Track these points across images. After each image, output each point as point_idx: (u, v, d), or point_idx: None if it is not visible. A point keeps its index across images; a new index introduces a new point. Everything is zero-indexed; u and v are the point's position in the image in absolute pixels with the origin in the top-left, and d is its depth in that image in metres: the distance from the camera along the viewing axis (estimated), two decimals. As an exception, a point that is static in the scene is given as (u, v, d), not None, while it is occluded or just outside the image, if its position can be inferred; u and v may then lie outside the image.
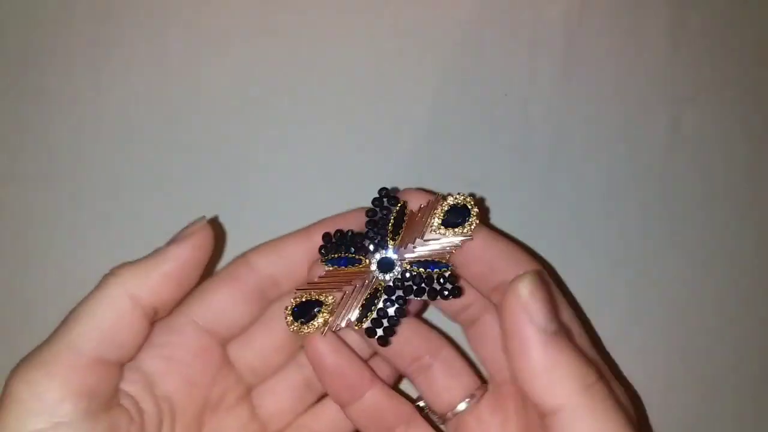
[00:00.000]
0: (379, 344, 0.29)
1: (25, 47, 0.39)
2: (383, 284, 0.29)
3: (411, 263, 0.29)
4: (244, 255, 0.30)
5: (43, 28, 0.39)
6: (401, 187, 0.38)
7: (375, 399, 0.30)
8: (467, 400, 0.30)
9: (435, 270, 0.28)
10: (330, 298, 0.29)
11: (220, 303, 0.29)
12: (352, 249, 0.29)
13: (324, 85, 0.39)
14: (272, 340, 0.31)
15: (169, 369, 0.28)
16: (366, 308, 0.28)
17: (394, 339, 0.29)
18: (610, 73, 0.40)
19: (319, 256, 0.30)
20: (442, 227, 0.29)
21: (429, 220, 0.29)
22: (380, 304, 0.28)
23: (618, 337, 0.38)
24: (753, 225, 0.39)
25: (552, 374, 0.23)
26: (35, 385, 0.23)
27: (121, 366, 0.26)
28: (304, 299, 0.28)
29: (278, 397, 0.31)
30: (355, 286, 0.29)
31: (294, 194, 0.38)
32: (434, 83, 0.39)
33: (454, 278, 0.29)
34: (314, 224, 0.31)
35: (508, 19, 0.40)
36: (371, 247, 0.29)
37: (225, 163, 0.38)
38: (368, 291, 0.29)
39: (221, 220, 0.38)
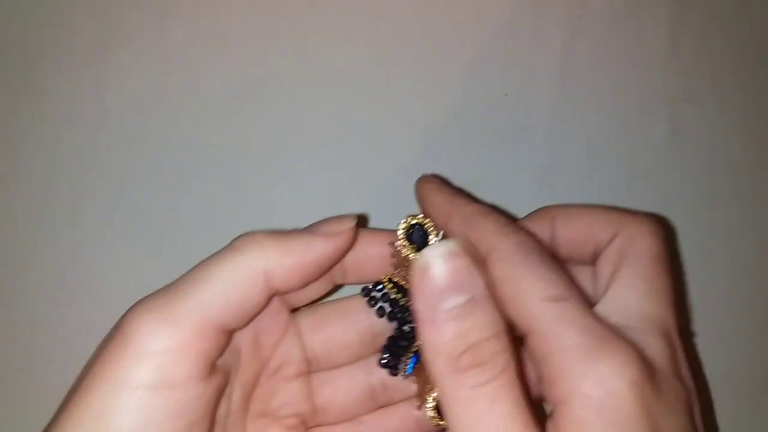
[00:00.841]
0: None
1: (25, 47, 0.39)
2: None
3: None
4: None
5: (44, 28, 0.39)
6: (401, 189, 0.38)
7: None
8: None
9: (411, 360, 0.29)
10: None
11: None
12: (405, 344, 0.29)
13: (323, 86, 0.39)
14: (342, 335, 0.30)
15: None
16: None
17: None
18: (610, 74, 0.40)
19: None
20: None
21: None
22: None
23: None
24: (753, 225, 0.39)
25: (431, 351, 0.23)
26: (159, 339, 0.23)
27: (232, 334, 0.26)
28: (421, 224, 0.28)
29: (336, 390, 0.31)
30: None
31: (294, 194, 0.38)
32: (434, 83, 0.39)
33: (394, 370, 0.30)
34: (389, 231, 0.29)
35: (508, 19, 0.40)
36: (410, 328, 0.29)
37: (226, 163, 0.38)
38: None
39: (222, 219, 0.38)
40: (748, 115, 0.40)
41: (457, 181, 0.38)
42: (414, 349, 0.29)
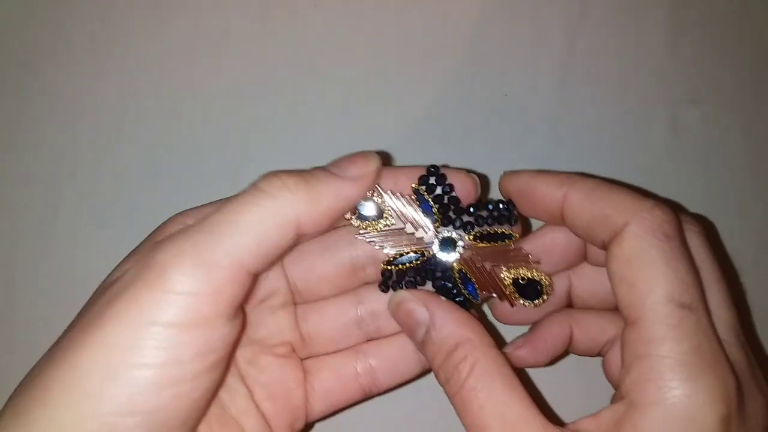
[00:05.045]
0: (380, 288, 0.30)
1: (25, 47, 0.39)
2: (432, 255, 0.29)
3: (460, 270, 0.29)
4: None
5: (44, 29, 0.39)
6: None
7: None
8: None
9: (468, 290, 0.29)
10: (391, 219, 0.29)
11: None
12: (441, 203, 0.29)
13: (323, 86, 0.39)
14: (322, 267, 0.30)
15: None
16: (405, 259, 0.29)
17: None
18: (610, 74, 0.40)
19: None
20: (512, 287, 0.30)
21: (508, 272, 0.29)
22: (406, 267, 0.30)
23: (618, 337, 0.38)
24: (753, 225, 0.39)
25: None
26: (193, 281, 0.22)
27: (258, 277, 0.26)
28: (373, 201, 0.29)
29: (322, 318, 0.31)
30: (413, 233, 0.29)
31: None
32: (435, 83, 0.39)
33: (470, 306, 0.30)
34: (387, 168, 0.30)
35: (508, 19, 0.40)
36: (452, 218, 0.29)
37: (226, 162, 0.38)
38: (416, 247, 0.29)
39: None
40: (748, 115, 0.40)
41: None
42: (431, 205, 0.29)
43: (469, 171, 0.30)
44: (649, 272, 0.24)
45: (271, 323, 0.30)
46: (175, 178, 0.38)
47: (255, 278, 0.25)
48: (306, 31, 0.39)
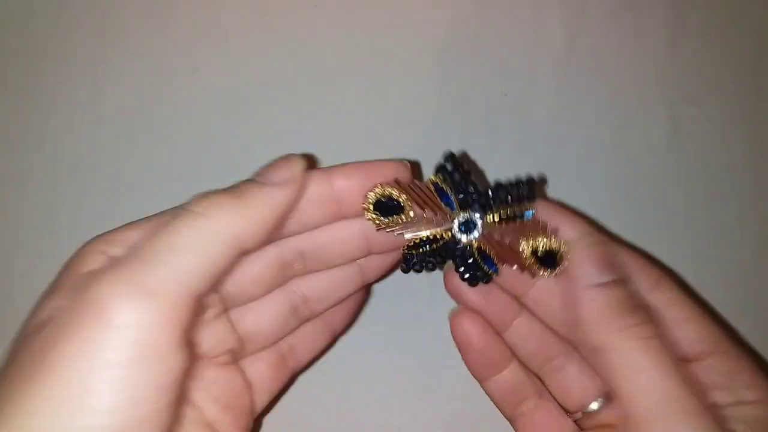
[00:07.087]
0: (402, 270, 0.30)
1: (25, 47, 0.39)
2: (453, 237, 0.30)
3: (479, 247, 0.30)
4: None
5: (44, 29, 0.39)
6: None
7: (513, 374, 0.32)
8: (600, 399, 0.30)
9: (488, 267, 0.30)
10: (411, 211, 0.29)
11: None
12: (461, 189, 0.30)
13: (322, 86, 0.39)
14: (250, 270, 0.29)
15: None
16: (425, 243, 0.30)
17: (527, 340, 0.32)
18: (610, 74, 0.40)
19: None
20: (531, 255, 0.29)
21: (527, 243, 0.29)
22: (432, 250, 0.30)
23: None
24: (753, 225, 0.39)
25: (593, 321, 0.27)
26: (139, 312, 0.21)
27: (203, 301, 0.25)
28: (392, 196, 0.29)
29: (260, 316, 0.30)
30: (434, 219, 0.30)
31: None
32: (434, 83, 0.39)
33: (489, 280, 0.30)
34: (335, 167, 0.29)
35: (508, 19, 0.40)
36: (470, 202, 0.30)
37: (225, 162, 0.38)
38: (438, 231, 0.30)
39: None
40: (748, 115, 0.40)
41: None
42: (450, 195, 0.30)
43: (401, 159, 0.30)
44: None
45: (210, 337, 0.28)
46: (175, 178, 0.38)
47: (201, 301, 0.23)
48: (306, 31, 0.39)
